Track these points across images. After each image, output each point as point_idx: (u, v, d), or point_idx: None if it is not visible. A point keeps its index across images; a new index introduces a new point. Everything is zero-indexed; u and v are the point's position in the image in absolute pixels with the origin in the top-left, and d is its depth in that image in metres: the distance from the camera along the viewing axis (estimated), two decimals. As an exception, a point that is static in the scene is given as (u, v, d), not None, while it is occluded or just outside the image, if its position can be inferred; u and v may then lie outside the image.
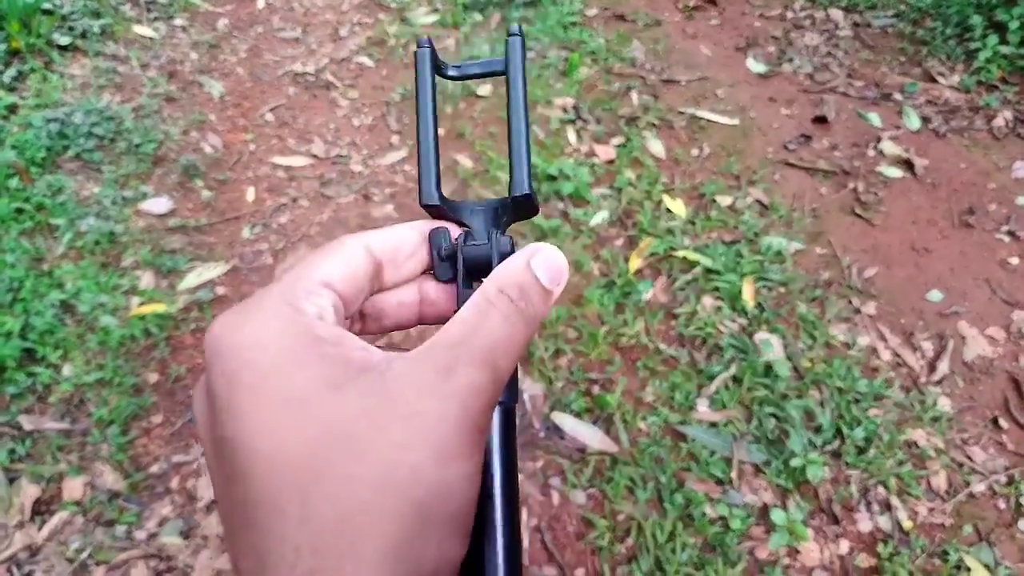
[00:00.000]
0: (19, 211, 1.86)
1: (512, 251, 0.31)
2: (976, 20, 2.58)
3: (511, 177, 0.32)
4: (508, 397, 0.29)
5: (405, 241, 0.32)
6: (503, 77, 0.35)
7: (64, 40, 2.46)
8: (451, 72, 0.36)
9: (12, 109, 2.17)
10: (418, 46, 0.34)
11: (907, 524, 1.42)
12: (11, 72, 2.29)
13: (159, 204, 1.98)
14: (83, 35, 2.52)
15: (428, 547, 0.23)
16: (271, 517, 0.23)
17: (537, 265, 0.28)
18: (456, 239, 0.33)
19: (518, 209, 0.33)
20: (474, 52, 2.64)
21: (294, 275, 0.28)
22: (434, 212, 0.33)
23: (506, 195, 0.33)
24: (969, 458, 1.54)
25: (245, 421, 0.24)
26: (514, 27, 0.35)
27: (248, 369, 0.24)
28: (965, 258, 1.94)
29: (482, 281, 0.29)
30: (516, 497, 0.29)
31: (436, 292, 0.33)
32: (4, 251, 1.74)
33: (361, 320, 0.33)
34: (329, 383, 0.24)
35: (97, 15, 2.62)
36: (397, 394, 0.24)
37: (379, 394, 0.24)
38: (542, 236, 1.96)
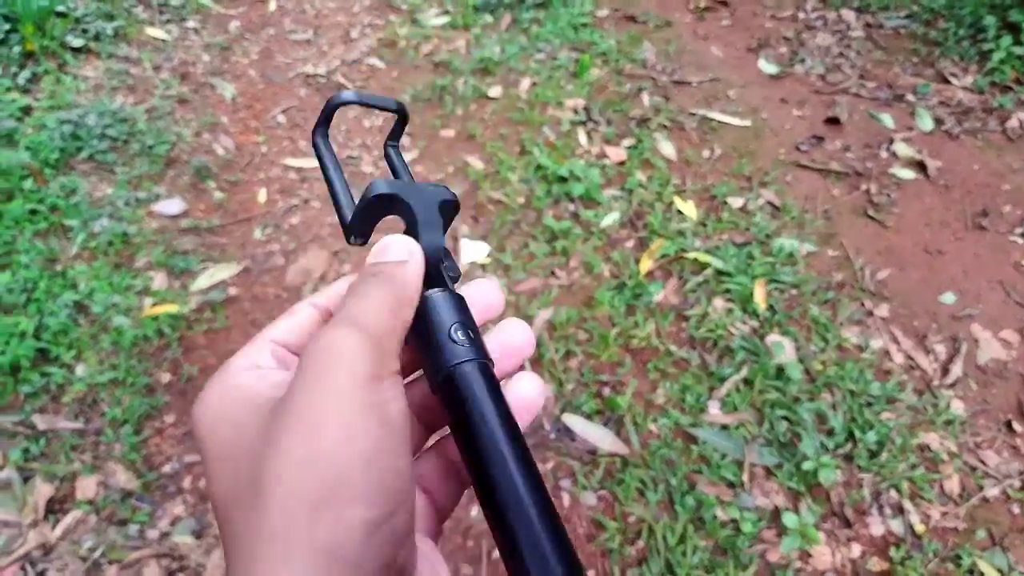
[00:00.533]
0: (33, 212, 1.87)
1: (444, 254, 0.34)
2: (990, 21, 2.56)
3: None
4: (477, 354, 0.30)
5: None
6: None
7: (77, 42, 2.48)
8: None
9: (26, 111, 2.19)
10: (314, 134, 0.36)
11: (920, 528, 1.41)
12: (25, 74, 2.30)
13: (172, 205, 2.00)
14: (96, 37, 2.54)
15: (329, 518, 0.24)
16: (228, 512, 0.26)
17: (371, 259, 0.31)
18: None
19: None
20: (484, 53, 2.64)
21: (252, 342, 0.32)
22: (362, 209, 0.34)
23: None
24: (982, 462, 1.52)
25: (209, 474, 0.28)
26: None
27: (207, 432, 0.28)
28: (979, 260, 1.92)
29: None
30: (523, 445, 0.29)
31: None
32: (19, 252, 1.76)
33: None
34: (245, 430, 0.27)
35: (110, 17, 2.64)
36: (288, 394, 0.26)
37: (309, 364, 0.26)
38: (553, 238, 1.96)
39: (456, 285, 0.33)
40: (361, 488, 0.24)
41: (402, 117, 0.37)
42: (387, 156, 0.39)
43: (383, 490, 0.24)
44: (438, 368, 0.30)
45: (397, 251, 0.31)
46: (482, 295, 0.34)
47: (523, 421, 0.31)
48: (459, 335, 0.30)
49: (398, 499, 0.25)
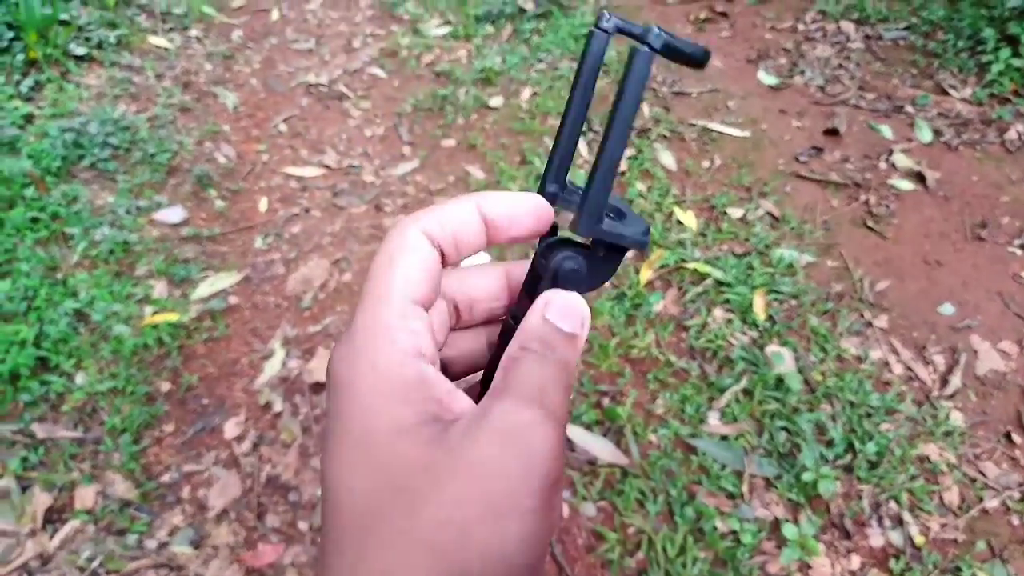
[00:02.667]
0: (34, 220, 1.87)
1: (571, 270, 0.30)
2: (988, 33, 2.58)
3: (579, 208, 0.30)
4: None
5: (466, 227, 0.31)
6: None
7: (80, 50, 2.49)
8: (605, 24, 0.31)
9: (28, 119, 2.20)
10: (598, 26, 0.31)
11: (919, 540, 1.41)
12: (28, 82, 2.31)
13: (173, 213, 2.00)
14: (99, 46, 2.55)
15: None
16: (332, 553, 0.24)
17: (552, 316, 0.28)
18: (537, 246, 0.32)
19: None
20: (486, 64, 2.65)
21: (382, 292, 0.28)
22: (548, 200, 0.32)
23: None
24: (982, 473, 1.52)
25: (331, 455, 0.26)
26: (652, 34, 0.28)
27: (346, 405, 0.26)
28: (978, 271, 1.93)
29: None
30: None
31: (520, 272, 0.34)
32: (19, 259, 1.76)
33: (456, 313, 0.33)
34: (403, 431, 0.25)
35: (113, 26, 2.65)
36: (456, 448, 0.24)
37: (441, 447, 0.25)
38: (553, 247, 1.96)
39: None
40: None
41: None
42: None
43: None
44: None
45: (571, 322, 0.29)
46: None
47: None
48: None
49: None
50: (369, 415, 0.25)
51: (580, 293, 0.30)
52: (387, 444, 0.25)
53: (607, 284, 1.85)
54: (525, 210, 0.31)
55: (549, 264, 0.30)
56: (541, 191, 0.32)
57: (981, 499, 1.48)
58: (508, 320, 0.32)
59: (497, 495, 0.23)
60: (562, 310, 0.29)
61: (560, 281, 0.30)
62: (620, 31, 0.30)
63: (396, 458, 0.25)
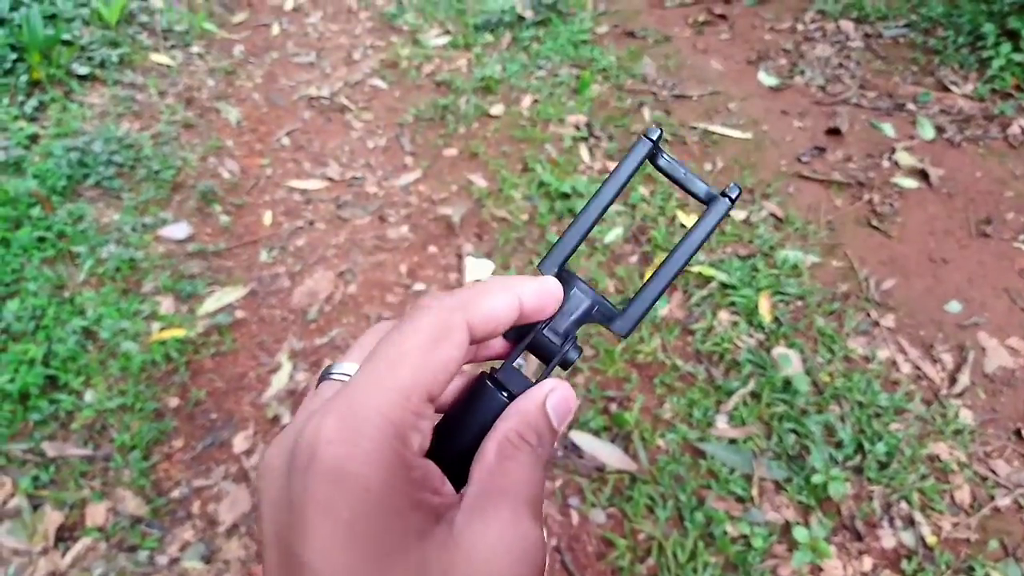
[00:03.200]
0: (41, 239, 1.89)
1: (571, 358, 0.33)
2: (988, 28, 2.57)
3: (627, 310, 0.34)
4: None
5: (503, 322, 0.30)
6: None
7: (83, 70, 2.51)
8: (661, 162, 0.36)
9: (33, 139, 2.22)
10: (646, 136, 0.35)
11: (931, 540, 1.40)
12: (32, 102, 2.33)
13: (178, 230, 2.01)
14: (102, 64, 2.58)
15: None
16: None
17: (551, 407, 0.29)
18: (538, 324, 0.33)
19: (606, 325, 0.34)
20: (486, 72, 2.66)
21: (406, 381, 0.26)
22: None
23: (604, 297, 0.34)
24: (993, 471, 1.51)
25: (325, 556, 0.24)
26: (731, 191, 0.35)
27: (345, 504, 0.24)
28: (983, 268, 1.92)
29: (535, 355, 0.32)
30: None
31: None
32: (27, 279, 1.77)
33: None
34: (408, 536, 0.25)
35: (115, 44, 2.67)
36: (454, 549, 0.25)
37: (435, 542, 0.25)
38: (556, 254, 1.96)
39: None
40: None
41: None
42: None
43: None
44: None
45: (564, 419, 0.30)
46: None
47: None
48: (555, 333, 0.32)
49: None
50: (374, 522, 0.24)
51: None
52: (377, 529, 0.24)
53: (611, 290, 1.86)
54: (552, 299, 0.32)
55: (560, 347, 0.32)
56: (556, 272, 0.33)
57: (992, 497, 1.47)
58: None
59: None
60: (559, 404, 0.30)
61: (563, 367, 0.33)
62: (661, 141, 0.35)
63: (384, 548, 0.24)
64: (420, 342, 0.26)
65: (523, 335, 0.32)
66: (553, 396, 0.29)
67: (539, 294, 0.31)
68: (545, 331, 0.32)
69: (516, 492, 0.27)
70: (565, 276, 0.33)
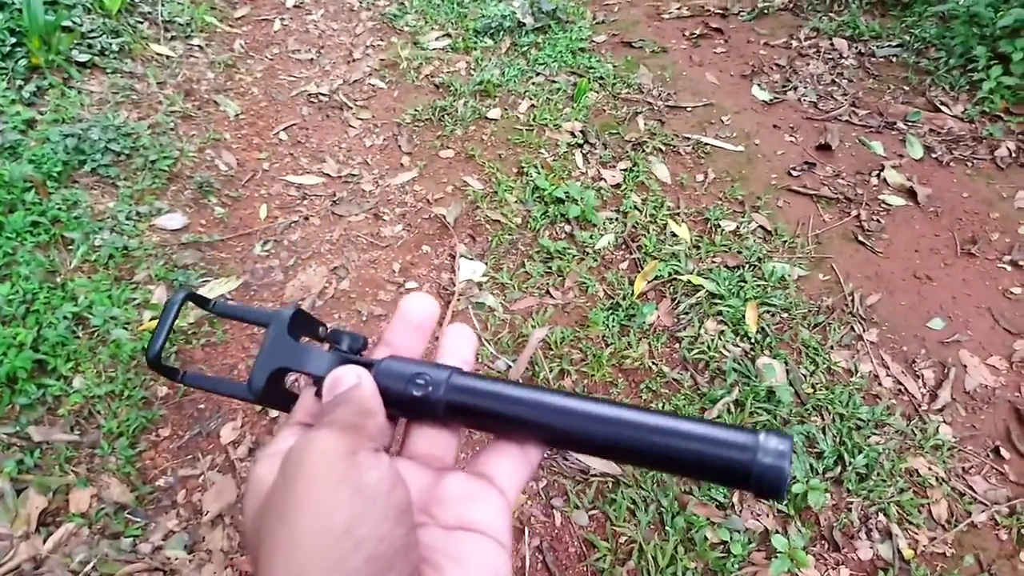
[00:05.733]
0: (35, 224, 1.89)
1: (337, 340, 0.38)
2: (980, 51, 2.61)
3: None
4: (446, 374, 0.33)
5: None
6: None
7: (83, 57, 2.51)
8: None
9: (31, 124, 2.21)
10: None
11: (908, 553, 1.43)
12: (30, 87, 2.33)
13: (173, 220, 2.02)
14: (102, 52, 2.57)
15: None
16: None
17: (328, 391, 0.33)
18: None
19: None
20: (484, 76, 2.68)
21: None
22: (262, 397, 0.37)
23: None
24: (970, 487, 1.54)
25: (281, 547, 0.27)
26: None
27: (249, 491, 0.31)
28: (967, 286, 1.95)
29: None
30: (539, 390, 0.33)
31: None
32: (19, 263, 1.77)
33: None
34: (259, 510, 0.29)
35: (116, 33, 2.67)
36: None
37: (290, 459, 0.29)
38: (549, 258, 1.98)
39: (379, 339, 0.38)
40: (344, 563, 0.25)
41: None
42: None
43: (370, 559, 0.25)
44: (435, 408, 0.33)
45: (347, 379, 0.33)
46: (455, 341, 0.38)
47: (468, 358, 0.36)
48: (419, 382, 0.33)
49: (384, 565, 0.25)
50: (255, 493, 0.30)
51: None
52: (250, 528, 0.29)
53: (600, 295, 1.87)
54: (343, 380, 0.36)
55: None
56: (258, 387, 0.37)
57: (970, 513, 1.49)
58: None
59: (296, 497, 0.26)
60: (330, 386, 0.34)
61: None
62: None
63: (252, 529, 0.29)
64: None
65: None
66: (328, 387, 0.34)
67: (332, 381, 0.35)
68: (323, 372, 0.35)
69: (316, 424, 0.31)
70: (255, 381, 0.37)
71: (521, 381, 0.33)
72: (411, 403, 0.33)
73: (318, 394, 0.35)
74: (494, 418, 0.32)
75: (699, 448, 0.28)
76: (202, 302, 0.39)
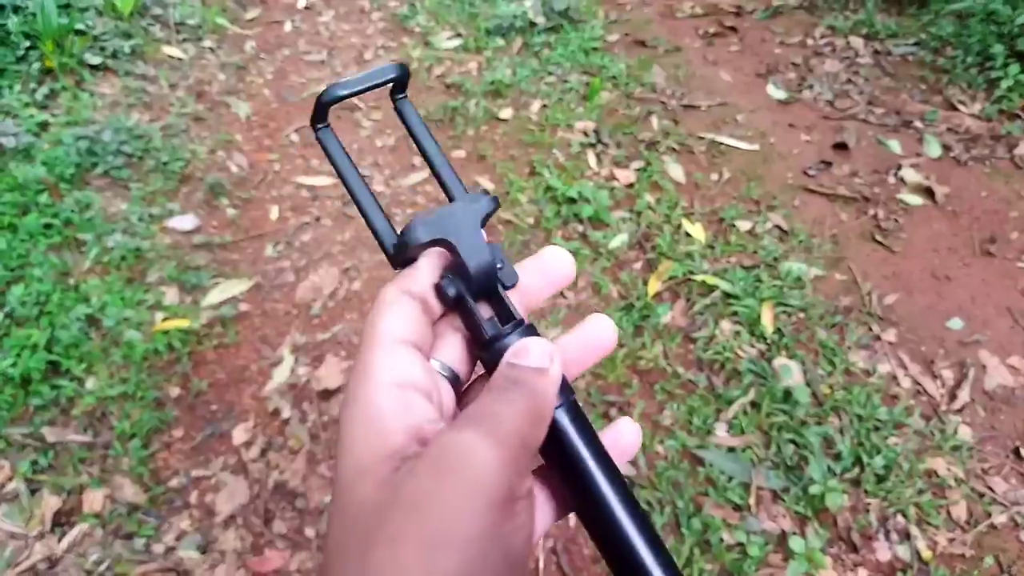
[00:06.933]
0: (48, 226, 1.89)
1: (499, 261, 0.34)
2: (998, 49, 2.58)
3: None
4: (563, 395, 0.30)
5: (434, 276, 0.33)
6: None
7: (95, 60, 2.52)
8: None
9: (43, 126, 2.23)
10: (315, 130, 0.35)
11: (927, 554, 1.40)
12: (43, 90, 2.34)
13: (185, 221, 2.02)
14: (114, 55, 2.59)
15: None
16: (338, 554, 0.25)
17: (515, 358, 0.29)
18: (443, 282, 0.33)
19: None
20: (496, 76, 2.67)
21: (368, 338, 0.30)
22: (405, 253, 0.34)
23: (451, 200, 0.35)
24: (990, 488, 1.52)
25: (341, 469, 0.27)
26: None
27: (338, 447, 0.28)
28: (986, 286, 1.92)
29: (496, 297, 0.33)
30: (619, 478, 0.30)
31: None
32: (32, 265, 1.78)
33: None
34: (362, 471, 0.26)
35: (128, 36, 2.69)
36: (399, 484, 0.25)
37: (388, 486, 0.25)
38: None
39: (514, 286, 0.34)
40: None
41: (401, 76, 0.35)
42: (399, 112, 0.38)
43: None
44: None
45: (538, 356, 0.28)
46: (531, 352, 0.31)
47: (622, 463, 0.32)
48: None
49: None
50: (344, 456, 0.27)
51: None
52: (349, 486, 0.26)
53: (614, 296, 1.86)
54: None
55: (496, 273, 0.33)
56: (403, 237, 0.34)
57: (989, 514, 1.47)
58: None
59: (430, 529, 0.23)
60: (521, 353, 0.29)
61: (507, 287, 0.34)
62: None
63: (354, 500, 0.25)
64: (370, 317, 0.31)
65: (460, 299, 0.32)
66: (516, 351, 0.30)
67: (415, 280, 0.33)
68: (474, 273, 0.32)
69: (464, 416, 0.27)
70: (416, 233, 0.33)
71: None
72: None
73: (439, 292, 0.32)
74: (560, 465, 0.30)
75: None
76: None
